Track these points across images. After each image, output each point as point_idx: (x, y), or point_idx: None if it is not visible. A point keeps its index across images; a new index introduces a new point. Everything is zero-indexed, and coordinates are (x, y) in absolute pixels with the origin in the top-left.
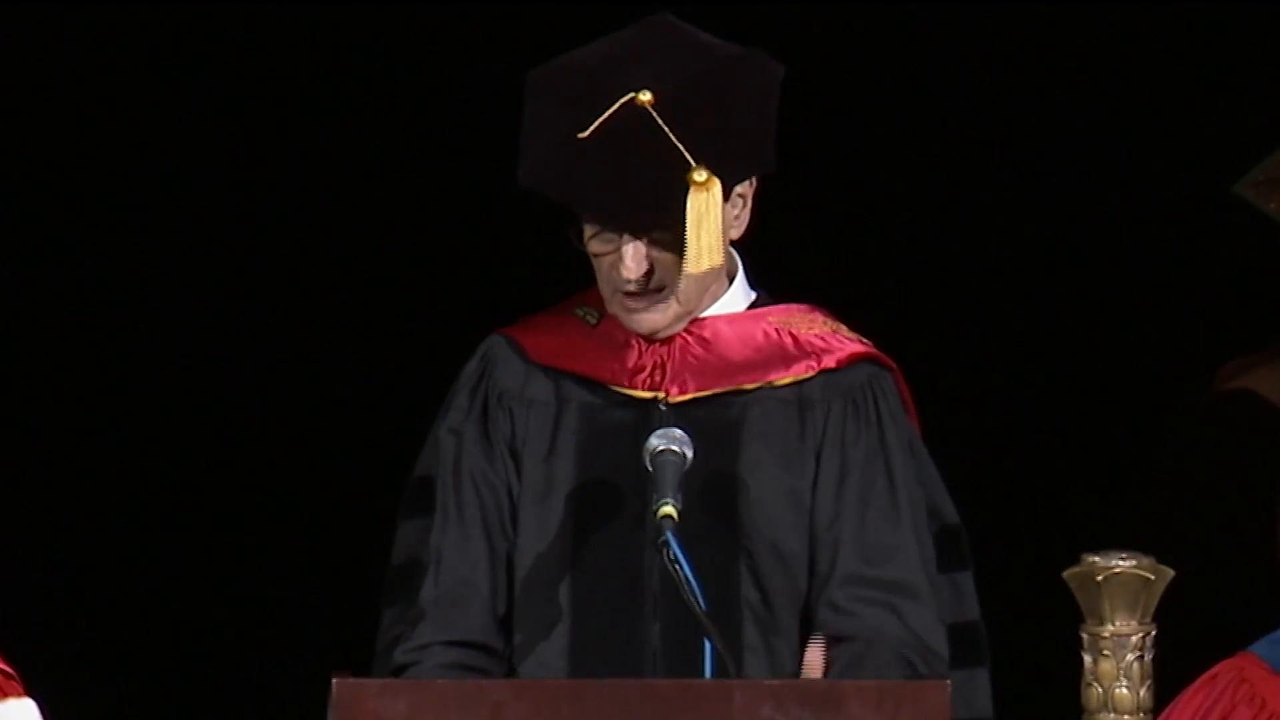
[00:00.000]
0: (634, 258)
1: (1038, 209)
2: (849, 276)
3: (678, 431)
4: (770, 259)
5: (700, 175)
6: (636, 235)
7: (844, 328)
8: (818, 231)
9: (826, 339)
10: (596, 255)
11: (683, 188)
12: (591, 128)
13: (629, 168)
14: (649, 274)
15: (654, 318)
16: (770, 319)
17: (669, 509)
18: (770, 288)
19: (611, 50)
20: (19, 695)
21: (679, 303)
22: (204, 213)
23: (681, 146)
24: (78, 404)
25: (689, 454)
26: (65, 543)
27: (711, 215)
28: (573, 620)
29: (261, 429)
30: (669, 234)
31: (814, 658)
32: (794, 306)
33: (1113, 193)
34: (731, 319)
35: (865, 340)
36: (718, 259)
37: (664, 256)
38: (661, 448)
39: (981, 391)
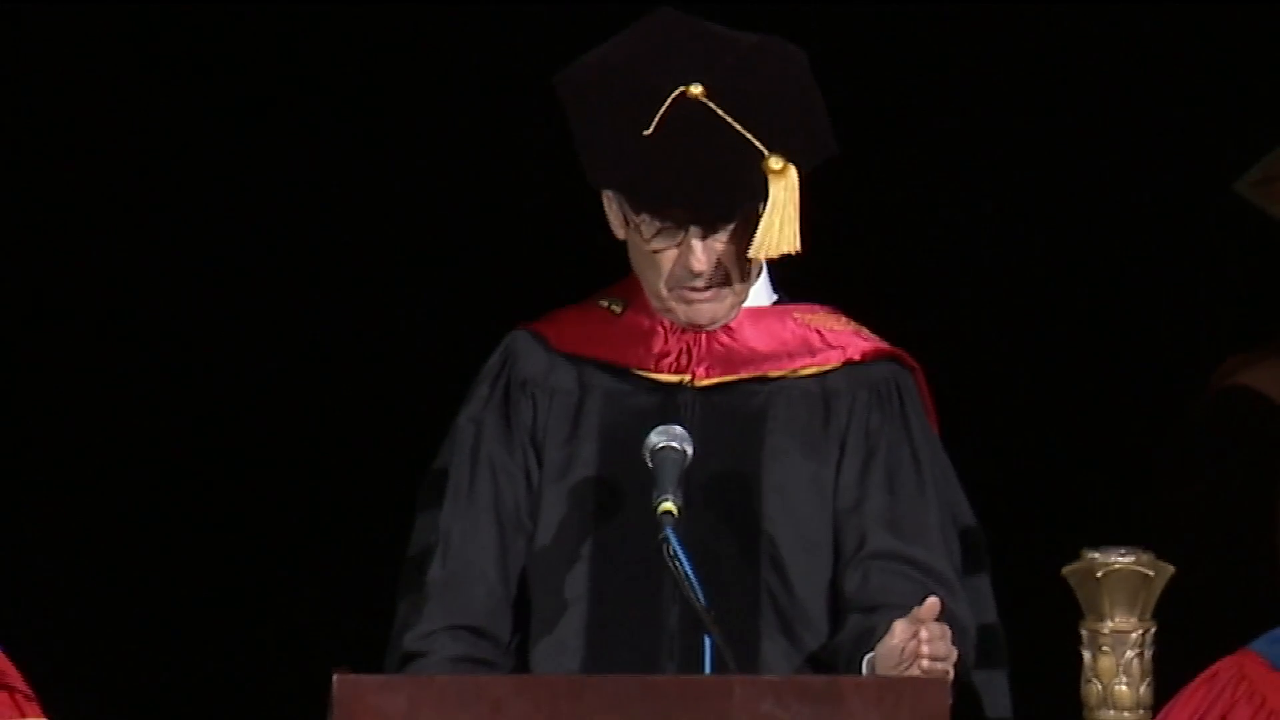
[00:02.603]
0: (705, 250)
1: (1038, 209)
2: (852, 275)
3: (678, 428)
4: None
5: (777, 163)
6: (716, 227)
7: (865, 330)
8: (822, 232)
9: (850, 336)
10: (657, 251)
11: (756, 176)
12: (654, 124)
13: (699, 161)
14: (715, 266)
15: (715, 308)
16: (795, 314)
17: (669, 505)
18: (788, 288)
19: (636, 47)
20: (38, 716)
21: (735, 293)
22: (208, 203)
23: (750, 136)
24: (78, 408)
25: (689, 450)
26: (64, 543)
27: (791, 201)
28: (590, 601)
29: (262, 428)
30: (735, 225)
31: (903, 630)
32: (817, 306)
33: (1113, 193)
34: (758, 312)
35: (886, 343)
36: (795, 244)
37: (728, 248)
38: (662, 444)
39: (981, 389)
